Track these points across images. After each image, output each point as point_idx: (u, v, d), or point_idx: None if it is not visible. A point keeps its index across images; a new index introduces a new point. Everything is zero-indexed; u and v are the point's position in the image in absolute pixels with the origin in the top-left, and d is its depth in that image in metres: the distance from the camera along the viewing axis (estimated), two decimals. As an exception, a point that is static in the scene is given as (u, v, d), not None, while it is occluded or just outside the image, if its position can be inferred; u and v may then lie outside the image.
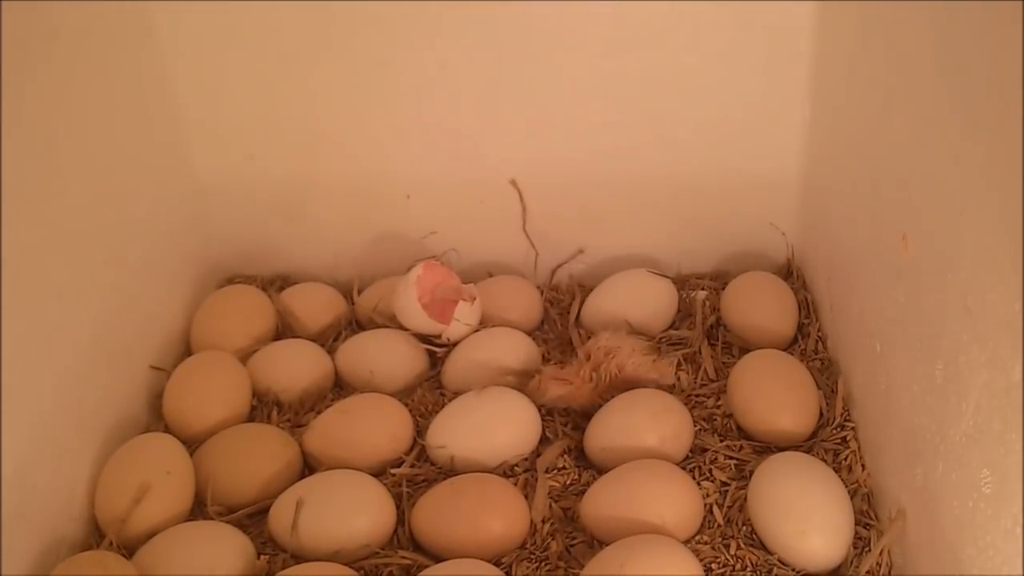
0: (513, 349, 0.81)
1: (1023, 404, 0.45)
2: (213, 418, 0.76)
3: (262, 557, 0.66)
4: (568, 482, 0.72)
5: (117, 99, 0.79)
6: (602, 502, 0.68)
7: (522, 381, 0.78)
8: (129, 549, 0.66)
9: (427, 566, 0.65)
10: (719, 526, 0.68)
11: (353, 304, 0.90)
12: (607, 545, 0.64)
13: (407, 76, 0.85)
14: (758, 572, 0.64)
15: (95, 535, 0.69)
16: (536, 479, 0.71)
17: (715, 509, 0.69)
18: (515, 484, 0.70)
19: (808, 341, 0.82)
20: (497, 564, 0.66)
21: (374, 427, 0.75)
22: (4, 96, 0.64)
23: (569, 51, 0.83)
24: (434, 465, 0.74)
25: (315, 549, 0.67)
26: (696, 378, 0.80)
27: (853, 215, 0.73)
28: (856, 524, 0.66)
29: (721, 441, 0.74)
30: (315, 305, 0.89)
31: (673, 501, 0.66)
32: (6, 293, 0.63)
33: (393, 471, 0.73)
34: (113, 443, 0.73)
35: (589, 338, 0.81)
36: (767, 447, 0.73)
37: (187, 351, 0.85)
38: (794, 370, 0.76)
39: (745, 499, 0.68)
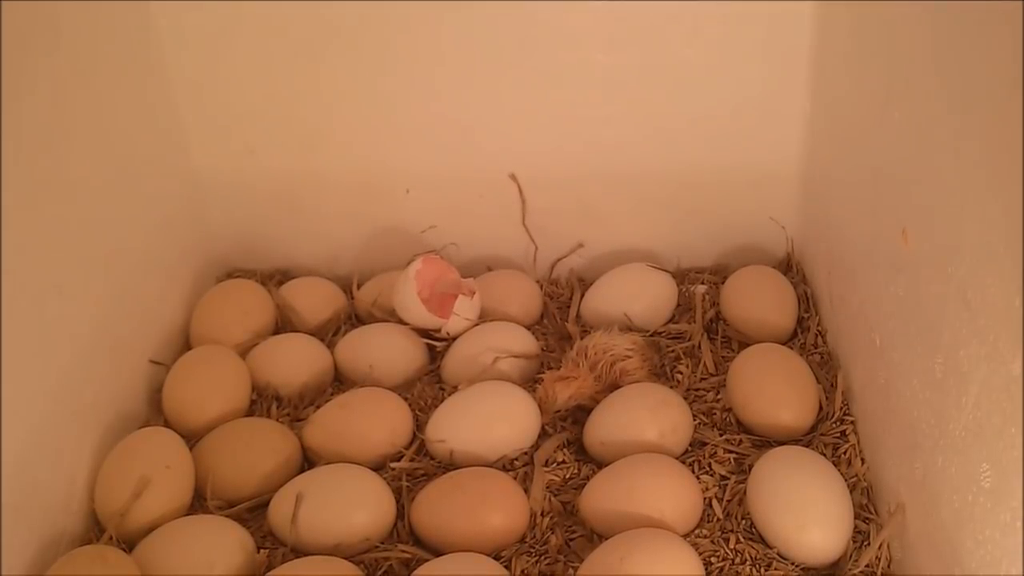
0: (512, 343, 0.81)
1: (1023, 398, 0.45)
2: (212, 412, 0.76)
3: (262, 551, 0.67)
4: (568, 476, 0.72)
5: (117, 94, 0.78)
6: (602, 496, 0.68)
7: (520, 367, 0.79)
8: (129, 543, 0.66)
9: (427, 560, 0.65)
10: (718, 520, 0.68)
11: (352, 298, 0.90)
12: (607, 539, 0.64)
13: (407, 71, 0.84)
14: (757, 566, 0.64)
15: (95, 529, 0.69)
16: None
17: (714, 503, 0.69)
18: (514, 478, 0.70)
19: (808, 335, 0.82)
20: (497, 558, 0.66)
21: (374, 421, 0.75)
22: (4, 93, 0.63)
23: (569, 46, 0.82)
24: (433, 459, 0.74)
25: (315, 543, 0.67)
26: (695, 372, 0.80)
27: (853, 209, 0.73)
28: (855, 518, 0.66)
29: (720, 435, 0.74)
30: (314, 299, 0.89)
31: (672, 495, 0.66)
32: (6, 288, 0.63)
33: (393, 465, 0.73)
34: (112, 437, 0.73)
35: (584, 335, 0.81)
36: (766, 441, 0.73)
37: (186, 345, 0.85)
38: (794, 364, 0.76)
39: (744, 493, 0.68)
